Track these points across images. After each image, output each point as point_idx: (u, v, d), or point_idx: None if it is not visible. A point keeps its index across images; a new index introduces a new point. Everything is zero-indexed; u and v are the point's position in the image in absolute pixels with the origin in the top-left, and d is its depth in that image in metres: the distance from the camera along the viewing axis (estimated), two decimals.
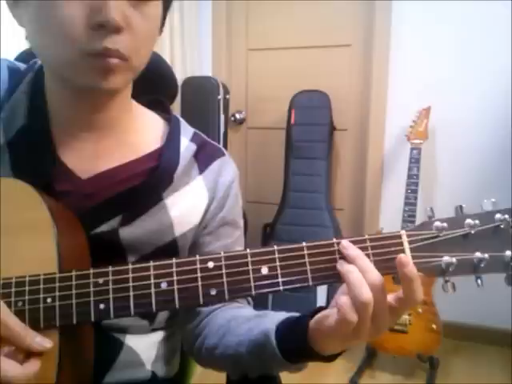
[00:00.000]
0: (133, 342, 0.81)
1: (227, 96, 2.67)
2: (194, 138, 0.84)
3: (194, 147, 0.83)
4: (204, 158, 0.83)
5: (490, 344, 2.53)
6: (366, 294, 0.55)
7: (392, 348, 2.18)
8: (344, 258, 0.58)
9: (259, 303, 0.85)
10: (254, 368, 0.73)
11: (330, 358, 0.65)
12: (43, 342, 0.58)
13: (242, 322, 0.76)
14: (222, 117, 2.59)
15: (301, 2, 2.81)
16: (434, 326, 2.13)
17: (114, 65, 0.64)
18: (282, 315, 0.71)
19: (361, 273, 0.56)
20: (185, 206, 0.79)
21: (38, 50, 0.69)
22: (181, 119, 0.87)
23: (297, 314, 0.69)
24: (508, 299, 2.29)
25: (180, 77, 2.63)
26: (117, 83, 0.66)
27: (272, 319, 0.71)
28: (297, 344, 0.64)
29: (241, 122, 3.06)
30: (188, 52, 2.85)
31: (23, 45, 0.92)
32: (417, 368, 2.30)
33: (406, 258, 0.56)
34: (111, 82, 0.65)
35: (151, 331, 0.84)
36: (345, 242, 0.58)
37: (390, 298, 0.58)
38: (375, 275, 0.56)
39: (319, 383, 2.15)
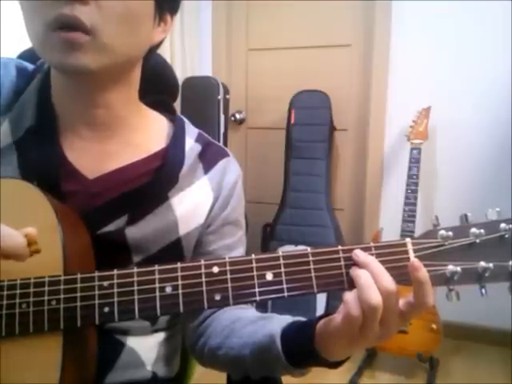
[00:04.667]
0: (134, 343, 0.81)
1: (227, 96, 2.67)
2: (198, 139, 0.85)
3: (198, 147, 0.83)
4: (209, 158, 0.84)
5: (489, 344, 2.54)
6: (375, 298, 0.55)
7: (392, 348, 2.19)
8: (356, 264, 0.58)
9: (258, 304, 0.85)
10: (257, 370, 0.73)
11: (335, 365, 0.65)
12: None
13: (247, 323, 0.76)
14: (222, 117, 2.59)
15: (301, 2, 2.81)
16: (433, 326, 2.13)
17: (74, 38, 0.62)
18: (287, 318, 0.72)
19: (373, 277, 0.56)
20: (190, 205, 0.80)
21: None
22: (185, 120, 0.87)
23: (303, 319, 0.69)
24: (508, 299, 2.27)
25: (180, 77, 2.63)
26: (85, 60, 0.64)
27: (278, 322, 0.71)
28: (302, 348, 0.65)
29: (241, 121, 3.07)
30: (188, 52, 2.85)
31: (23, 45, 0.92)
32: (417, 368, 2.30)
33: (419, 262, 0.56)
34: (79, 58, 0.64)
35: (152, 332, 0.84)
36: (357, 251, 0.59)
37: (400, 303, 0.58)
38: (388, 280, 0.56)
39: (319, 383, 2.15)
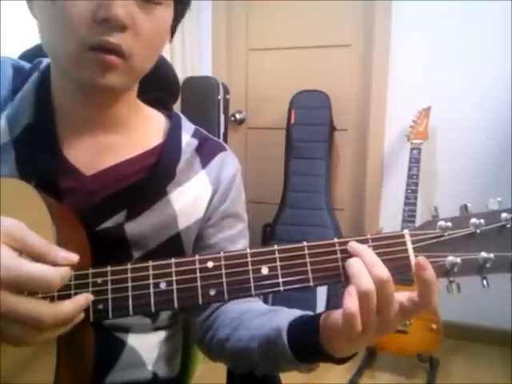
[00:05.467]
0: (135, 341, 0.81)
1: (227, 96, 2.66)
2: (195, 134, 0.85)
3: (195, 142, 0.84)
4: (206, 152, 0.84)
5: (490, 344, 2.53)
6: (366, 284, 0.54)
7: (392, 348, 2.18)
8: (351, 257, 0.58)
9: None
10: (264, 365, 0.72)
11: (341, 361, 0.64)
12: (69, 256, 0.56)
13: (256, 315, 0.76)
14: (222, 117, 2.59)
15: (301, 2, 2.81)
16: (433, 326, 2.13)
17: (112, 61, 0.65)
18: (296, 312, 0.71)
19: (366, 266, 0.56)
20: (188, 199, 0.80)
21: (45, 42, 0.70)
22: (182, 116, 0.88)
23: (311, 313, 0.68)
24: (508, 299, 2.28)
25: (180, 77, 2.62)
26: (114, 81, 0.67)
27: (285, 316, 0.70)
28: (308, 342, 0.64)
29: (241, 121, 3.06)
30: (188, 52, 2.85)
31: (24, 45, 0.92)
32: (417, 368, 2.30)
33: (425, 261, 0.55)
34: (108, 79, 0.66)
35: (153, 330, 0.84)
36: (352, 242, 0.58)
37: (403, 296, 0.57)
38: (380, 269, 0.56)
39: (319, 383, 2.15)
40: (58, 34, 0.66)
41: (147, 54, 0.70)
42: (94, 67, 0.65)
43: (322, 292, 2.46)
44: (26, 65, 0.82)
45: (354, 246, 0.58)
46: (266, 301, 2.45)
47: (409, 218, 2.20)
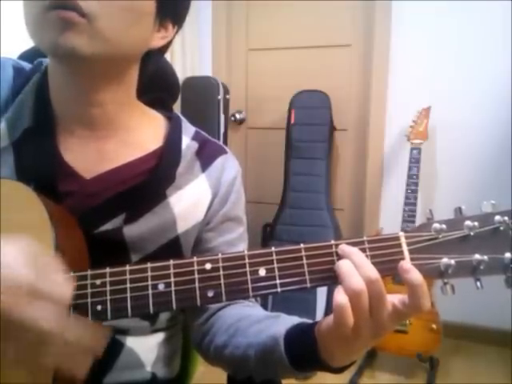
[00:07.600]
0: (133, 343, 0.81)
1: (227, 96, 2.67)
2: (195, 137, 0.85)
3: (195, 145, 0.83)
4: (206, 155, 0.84)
5: (489, 344, 2.53)
6: (357, 284, 0.54)
7: (392, 348, 2.18)
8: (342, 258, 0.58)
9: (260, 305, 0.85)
10: (261, 372, 0.72)
11: (338, 370, 0.64)
12: None
13: (253, 322, 0.75)
14: (222, 117, 2.59)
15: (301, 2, 2.81)
16: (433, 326, 2.13)
17: (69, 17, 0.62)
18: (294, 320, 0.71)
19: (356, 268, 0.56)
20: (188, 203, 0.80)
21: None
22: (182, 118, 0.87)
23: (309, 321, 0.68)
24: (508, 299, 2.28)
25: (180, 77, 2.62)
26: (76, 42, 0.64)
27: (283, 323, 0.70)
28: (305, 351, 0.64)
29: (241, 121, 3.07)
30: (188, 52, 2.85)
31: (24, 45, 0.92)
32: (417, 368, 2.30)
33: (408, 264, 0.56)
34: (71, 38, 0.63)
35: (152, 332, 0.84)
36: (342, 245, 0.58)
37: (396, 298, 0.57)
38: (369, 269, 0.56)
39: (319, 383, 2.15)
40: (25, 2, 0.65)
41: (115, 21, 0.66)
42: (54, 26, 0.63)
43: (322, 293, 2.46)
44: (27, 65, 0.82)
45: (343, 248, 0.58)
46: (266, 302, 2.45)
47: (409, 218, 2.20)
